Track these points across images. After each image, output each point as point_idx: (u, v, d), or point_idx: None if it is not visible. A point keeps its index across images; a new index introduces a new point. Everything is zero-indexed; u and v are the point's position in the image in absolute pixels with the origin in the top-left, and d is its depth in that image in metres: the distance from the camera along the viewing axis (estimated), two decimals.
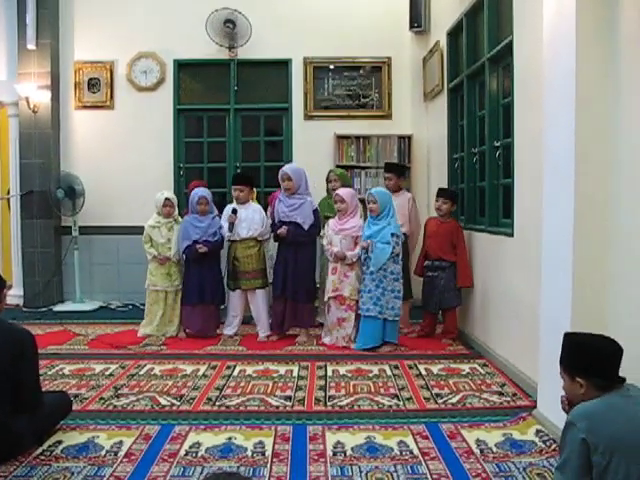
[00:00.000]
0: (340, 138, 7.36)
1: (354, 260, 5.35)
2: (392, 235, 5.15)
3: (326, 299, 5.49)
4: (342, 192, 5.47)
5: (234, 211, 5.63)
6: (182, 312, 5.77)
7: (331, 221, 5.54)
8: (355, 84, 7.56)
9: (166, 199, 5.77)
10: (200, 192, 5.74)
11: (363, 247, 5.23)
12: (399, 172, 6.06)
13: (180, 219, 5.90)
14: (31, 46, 7.09)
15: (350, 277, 5.38)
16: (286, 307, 5.54)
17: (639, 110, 2.95)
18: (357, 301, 5.33)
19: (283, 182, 5.54)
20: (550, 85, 3.45)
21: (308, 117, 7.51)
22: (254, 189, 6.13)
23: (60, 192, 7.01)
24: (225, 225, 5.67)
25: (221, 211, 5.86)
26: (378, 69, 7.53)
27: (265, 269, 5.79)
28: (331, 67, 7.54)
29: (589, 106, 3.13)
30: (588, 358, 2.38)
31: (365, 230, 5.29)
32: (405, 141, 7.35)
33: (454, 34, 6.08)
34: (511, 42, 4.48)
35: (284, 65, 7.52)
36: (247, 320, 5.92)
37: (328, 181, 6.08)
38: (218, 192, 7.07)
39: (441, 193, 5.68)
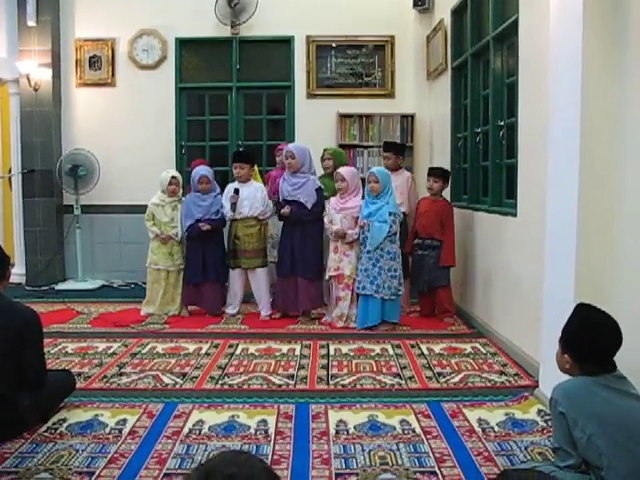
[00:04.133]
0: (343, 117, 7.33)
1: (354, 238, 5.34)
2: (390, 214, 5.13)
3: (327, 278, 5.51)
4: (343, 171, 5.44)
5: (236, 191, 5.61)
6: (184, 291, 5.78)
7: (332, 199, 5.52)
8: (358, 62, 7.50)
9: (172, 177, 5.76)
10: (201, 171, 5.73)
11: (360, 226, 5.23)
12: (398, 151, 6.04)
13: (184, 198, 5.89)
14: (31, 23, 7.03)
15: (350, 256, 5.38)
16: (297, 286, 5.52)
17: None
18: (354, 280, 5.34)
19: (287, 160, 5.52)
20: (556, 64, 3.42)
21: (311, 95, 7.47)
22: (255, 167, 6.11)
23: (82, 170, 7.02)
24: (227, 205, 5.66)
25: (223, 190, 5.84)
26: (381, 47, 7.47)
27: (265, 248, 5.80)
28: (334, 45, 7.47)
29: (596, 84, 3.11)
30: (584, 345, 2.40)
31: (363, 209, 5.28)
32: (408, 120, 7.31)
33: (458, 12, 6.02)
34: (516, 21, 4.43)
35: (287, 43, 7.47)
36: (247, 298, 5.94)
37: (322, 160, 6.07)
38: (220, 170, 7.04)
39: (432, 172, 5.69)
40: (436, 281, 5.49)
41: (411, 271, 5.72)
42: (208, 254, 5.68)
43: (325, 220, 5.50)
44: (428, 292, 5.59)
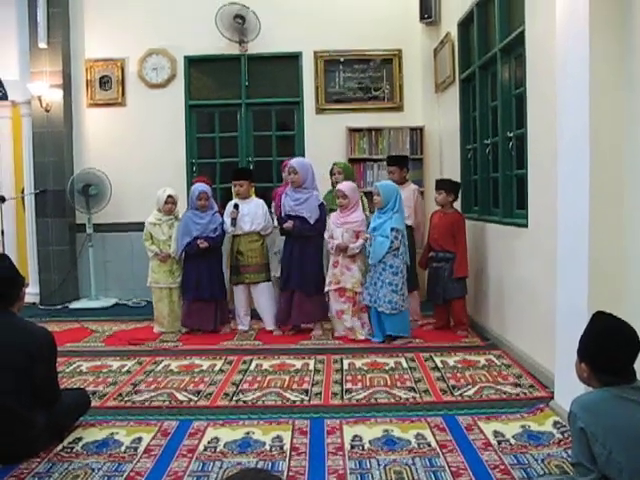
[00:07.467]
0: (352, 131, 7.36)
1: (356, 252, 5.35)
2: (392, 230, 5.12)
3: (325, 291, 5.50)
4: (343, 187, 5.46)
5: (236, 206, 5.67)
6: (182, 310, 5.80)
7: (333, 214, 5.55)
8: (366, 77, 7.53)
9: (168, 196, 5.79)
10: (200, 187, 5.76)
11: (364, 239, 5.25)
12: (402, 164, 6.05)
13: (180, 216, 5.91)
14: (42, 45, 7.12)
15: (353, 269, 5.39)
16: (292, 300, 5.55)
17: None
18: (357, 293, 5.36)
19: (289, 175, 5.55)
20: (563, 74, 3.43)
21: (319, 111, 7.50)
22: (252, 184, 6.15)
23: (94, 189, 7.09)
24: (227, 221, 5.70)
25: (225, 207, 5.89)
26: (389, 61, 7.49)
27: (268, 263, 5.83)
28: (341, 60, 7.51)
29: (603, 94, 3.11)
30: (601, 354, 2.35)
31: (371, 223, 5.31)
32: (417, 133, 7.33)
33: (465, 25, 6.05)
34: (523, 32, 4.45)
35: (294, 59, 7.51)
36: (253, 315, 5.93)
37: (332, 174, 6.08)
38: (231, 187, 7.04)
39: (437, 184, 5.72)
40: (451, 293, 5.48)
41: (427, 284, 5.73)
42: (204, 272, 5.67)
43: (325, 235, 5.51)
44: (444, 304, 5.57)
